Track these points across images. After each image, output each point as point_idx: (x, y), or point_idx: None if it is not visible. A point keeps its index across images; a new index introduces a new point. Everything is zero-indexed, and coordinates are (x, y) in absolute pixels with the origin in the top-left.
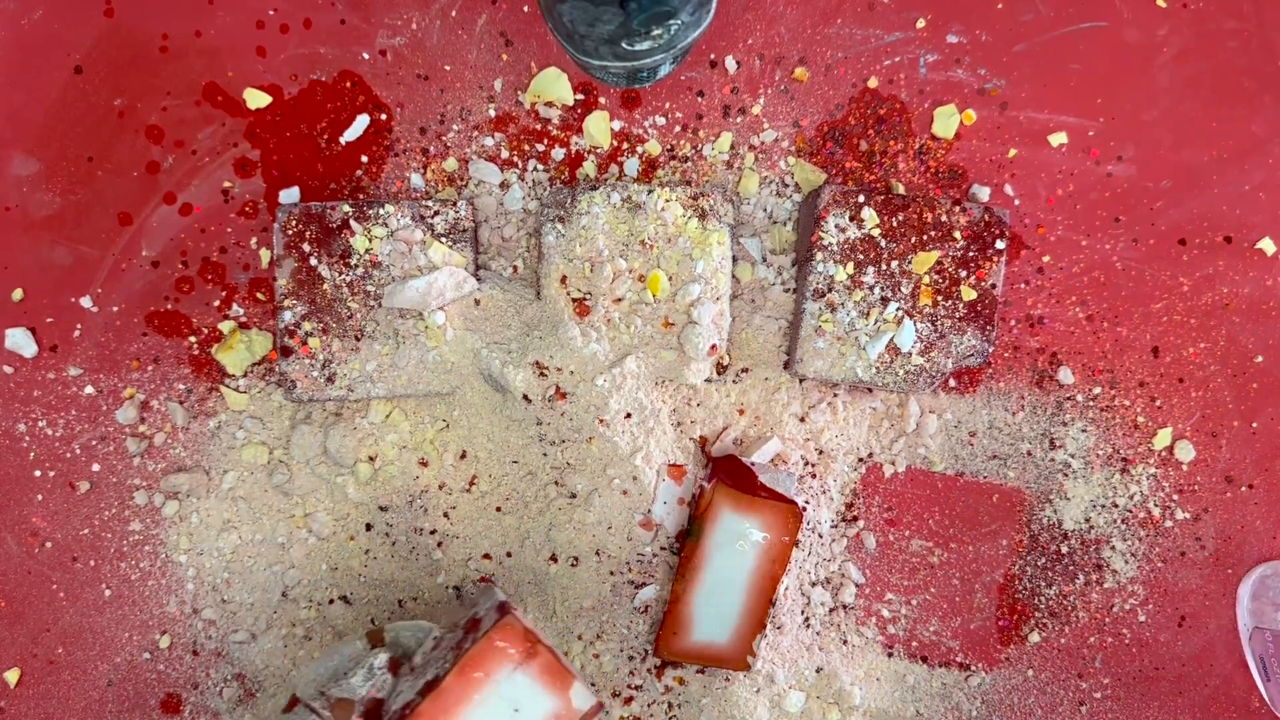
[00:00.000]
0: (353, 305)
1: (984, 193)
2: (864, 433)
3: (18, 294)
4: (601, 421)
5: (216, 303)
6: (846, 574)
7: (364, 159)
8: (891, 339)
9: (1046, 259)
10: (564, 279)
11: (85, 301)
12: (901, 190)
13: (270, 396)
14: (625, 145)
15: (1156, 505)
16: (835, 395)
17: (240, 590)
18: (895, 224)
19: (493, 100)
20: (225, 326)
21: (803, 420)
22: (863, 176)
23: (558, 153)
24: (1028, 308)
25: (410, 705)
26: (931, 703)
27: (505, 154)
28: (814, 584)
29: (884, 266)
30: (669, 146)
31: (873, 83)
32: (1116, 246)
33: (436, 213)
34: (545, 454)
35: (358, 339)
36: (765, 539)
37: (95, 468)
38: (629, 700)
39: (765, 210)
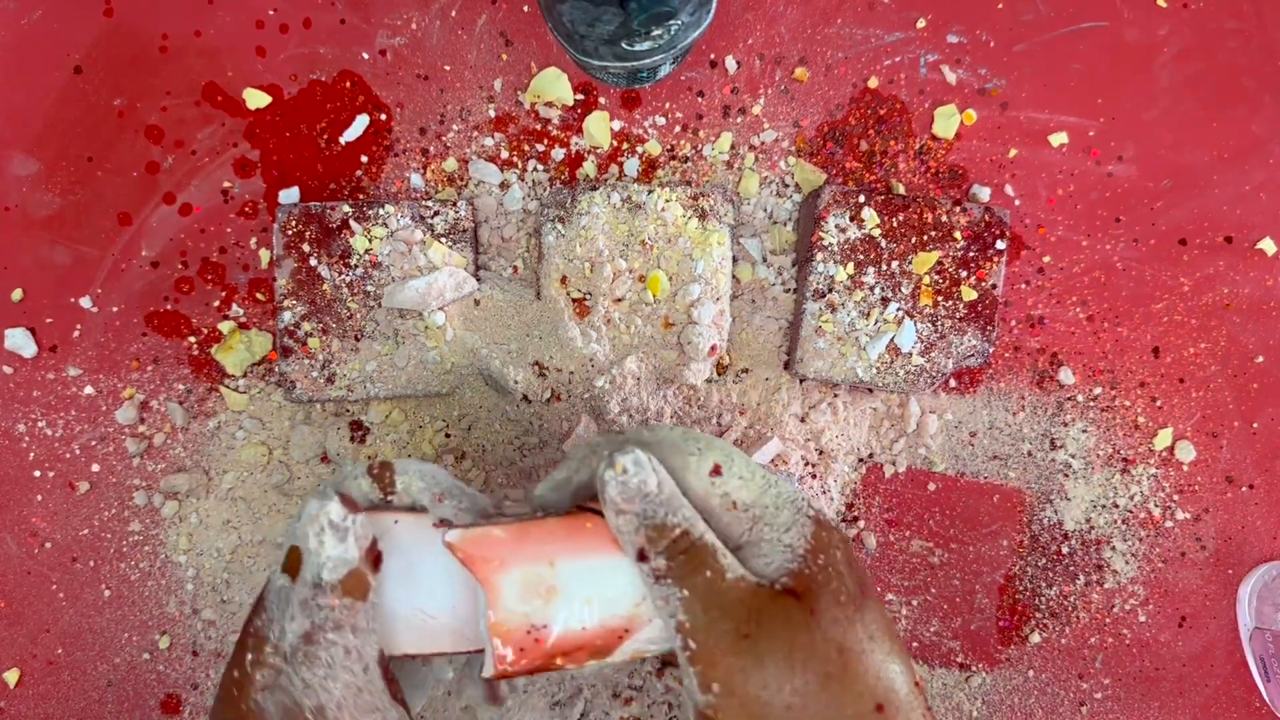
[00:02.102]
0: (352, 305)
1: (984, 193)
2: (864, 433)
3: (17, 294)
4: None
5: (216, 303)
6: None
7: (364, 159)
8: (892, 339)
9: (1047, 259)
10: (564, 279)
11: (85, 302)
12: (902, 190)
13: (270, 397)
14: (625, 145)
15: (1157, 505)
16: (836, 395)
17: (240, 590)
18: (895, 224)
19: (493, 100)
20: (225, 327)
21: (803, 420)
22: (863, 177)
23: (558, 153)
24: (1028, 308)
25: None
26: (932, 703)
27: (505, 154)
28: None
29: (884, 267)
30: (669, 146)
31: (873, 83)
32: (1117, 246)
33: (436, 213)
34: (545, 454)
35: (357, 339)
36: None
37: (95, 468)
38: (629, 700)
39: (765, 210)
